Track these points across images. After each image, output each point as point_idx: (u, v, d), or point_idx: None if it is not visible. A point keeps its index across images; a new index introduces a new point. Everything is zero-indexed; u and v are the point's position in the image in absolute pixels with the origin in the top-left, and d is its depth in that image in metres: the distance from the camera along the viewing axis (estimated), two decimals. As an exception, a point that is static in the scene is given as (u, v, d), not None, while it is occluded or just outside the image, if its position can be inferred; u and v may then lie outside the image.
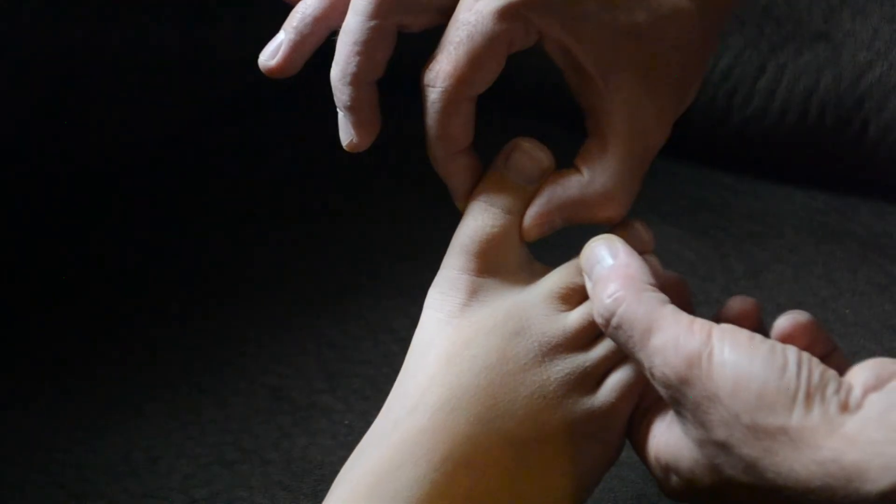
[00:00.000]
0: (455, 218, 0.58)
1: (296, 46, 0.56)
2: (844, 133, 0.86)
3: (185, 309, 0.79)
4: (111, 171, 0.90)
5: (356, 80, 0.55)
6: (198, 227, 0.86)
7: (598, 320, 0.52)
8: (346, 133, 0.56)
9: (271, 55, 0.56)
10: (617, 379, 0.55)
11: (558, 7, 0.53)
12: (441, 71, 0.54)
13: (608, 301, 0.51)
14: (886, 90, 0.84)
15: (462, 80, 0.54)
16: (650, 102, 0.55)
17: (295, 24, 0.56)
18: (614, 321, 0.51)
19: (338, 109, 0.56)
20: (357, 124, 0.56)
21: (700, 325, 0.49)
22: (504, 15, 0.53)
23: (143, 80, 0.92)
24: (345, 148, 0.57)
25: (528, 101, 0.90)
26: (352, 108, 0.55)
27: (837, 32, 0.85)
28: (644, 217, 0.57)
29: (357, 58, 0.54)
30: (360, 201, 0.87)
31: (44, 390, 0.73)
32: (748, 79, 0.87)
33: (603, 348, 0.55)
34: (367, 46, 0.54)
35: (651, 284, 0.52)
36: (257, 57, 0.57)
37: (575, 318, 0.55)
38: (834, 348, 0.53)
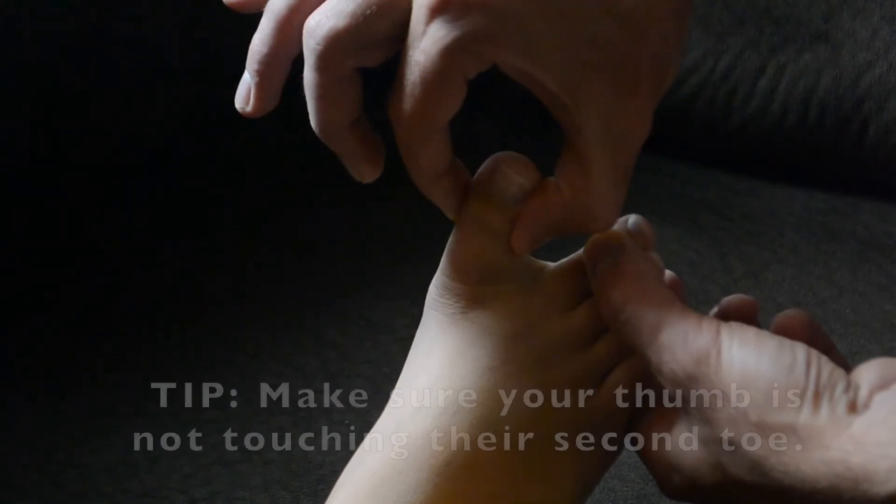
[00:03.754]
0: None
1: (262, 87, 0.54)
2: (844, 133, 0.86)
3: (186, 309, 0.79)
4: (111, 170, 0.90)
5: (332, 131, 0.53)
6: (197, 228, 0.86)
7: (606, 316, 0.52)
8: (352, 171, 0.55)
9: (244, 100, 0.55)
10: (619, 376, 0.54)
11: (505, 35, 0.49)
12: (402, 111, 0.52)
13: (616, 298, 0.51)
14: (886, 90, 0.84)
15: (423, 120, 0.52)
16: (625, 106, 0.52)
17: (255, 66, 0.54)
18: (623, 317, 0.51)
19: None
20: (355, 165, 0.55)
21: (708, 322, 0.49)
22: (452, 52, 0.50)
23: (143, 80, 0.92)
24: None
25: (528, 100, 0.89)
26: (340, 154, 0.55)
27: (837, 32, 0.85)
28: (644, 217, 0.57)
29: (325, 112, 0.53)
30: (360, 201, 0.87)
31: (44, 390, 0.73)
32: (748, 79, 0.87)
33: (605, 346, 0.54)
34: (330, 98, 0.52)
35: (658, 281, 0.52)
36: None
37: (578, 316, 0.55)
38: (831, 347, 0.52)
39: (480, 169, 0.55)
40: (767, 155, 0.89)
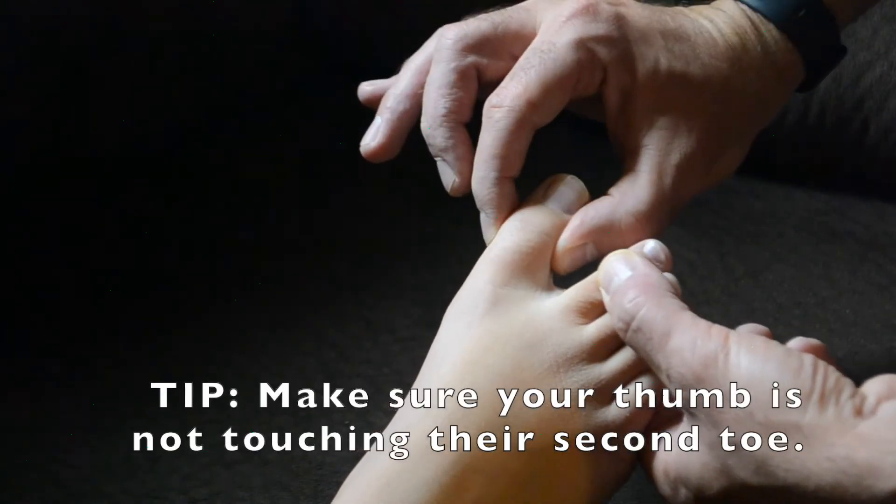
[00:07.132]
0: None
1: (393, 126, 0.60)
2: (844, 133, 0.86)
3: (186, 309, 0.79)
4: (111, 170, 0.90)
5: (446, 122, 0.58)
6: (197, 227, 0.86)
7: (618, 325, 0.52)
8: (448, 177, 0.59)
9: (371, 138, 0.60)
10: (632, 392, 0.55)
11: (625, 47, 0.58)
12: (510, 93, 0.56)
13: (629, 305, 0.52)
14: (886, 90, 0.84)
15: (530, 103, 0.56)
16: (682, 146, 0.58)
17: (389, 104, 0.60)
18: (634, 324, 0.51)
19: (435, 158, 0.59)
20: (455, 164, 0.58)
21: (717, 329, 0.50)
22: (577, 46, 0.57)
23: (143, 80, 0.92)
24: (449, 193, 0.59)
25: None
26: (446, 150, 0.58)
27: (837, 32, 0.85)
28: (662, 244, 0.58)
29: (443, 100, 0.58)
30: (360, 201, 0.87)
31: (44, 390, 0.73)
32: (748, 79, 0.87)
33: (618, 362, 0.55)
34: (451, 88, 0.58)
35: (670, 292, 0.52)
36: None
37: (591, 331, 0.55)
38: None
39: (536, 189, 0.59)
40: (767, 155, 0.89)
